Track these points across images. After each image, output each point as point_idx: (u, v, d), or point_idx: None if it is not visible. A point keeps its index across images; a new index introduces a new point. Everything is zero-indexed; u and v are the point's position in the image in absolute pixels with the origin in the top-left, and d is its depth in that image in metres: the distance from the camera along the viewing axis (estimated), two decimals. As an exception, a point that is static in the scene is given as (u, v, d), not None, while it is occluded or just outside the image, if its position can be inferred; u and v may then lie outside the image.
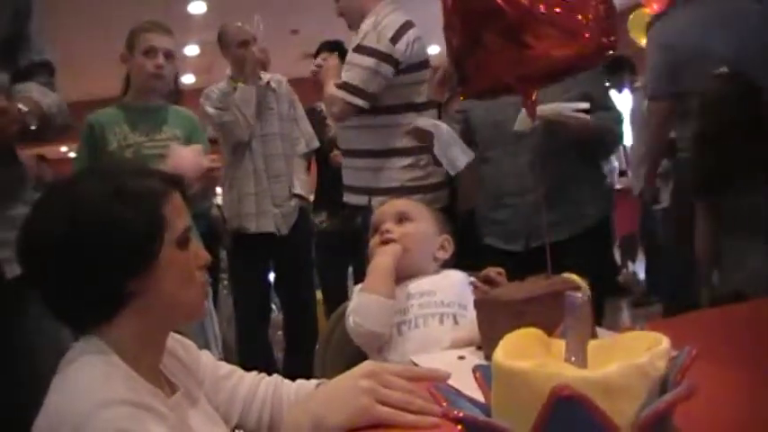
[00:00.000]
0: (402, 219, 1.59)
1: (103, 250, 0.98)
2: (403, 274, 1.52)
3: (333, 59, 2.83)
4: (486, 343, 1.17)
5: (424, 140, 2.34)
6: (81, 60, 6.81)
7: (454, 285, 1.52)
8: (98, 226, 0.98)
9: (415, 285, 1.52)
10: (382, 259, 1.51)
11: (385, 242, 1.55)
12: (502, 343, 0.68)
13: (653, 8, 4.95)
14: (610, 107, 2.39)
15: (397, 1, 2.66)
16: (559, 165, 2.23)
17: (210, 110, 3.33)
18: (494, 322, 1.14)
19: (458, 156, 2.08)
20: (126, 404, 0.91)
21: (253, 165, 3.36)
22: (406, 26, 2.55)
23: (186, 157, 2.45)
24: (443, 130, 2.12)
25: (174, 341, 1.20)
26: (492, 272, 1.53)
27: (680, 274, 2.81)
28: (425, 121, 2.07)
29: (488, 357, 1.12)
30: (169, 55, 2.67)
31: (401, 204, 1.64)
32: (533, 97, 1.22)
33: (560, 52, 1.08)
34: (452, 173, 2.15)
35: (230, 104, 3.28)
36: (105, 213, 0.98)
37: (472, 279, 1.52)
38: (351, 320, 1.48)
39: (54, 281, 1.01)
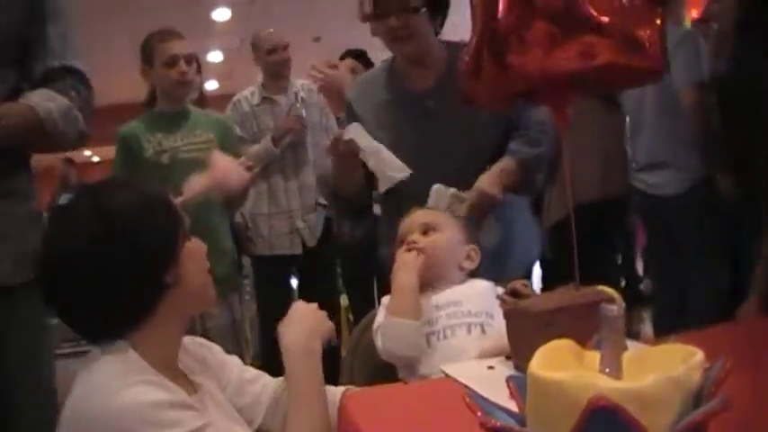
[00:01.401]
0: (428, 229, 1.59)
1: (139, 247, 1.06)
2: (429, 284, 1.53)
3: (341, 67, 2.82)
4: (516, 353, 1.18)
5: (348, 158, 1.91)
6: (104, 67, 6.89)
7: (480, 295, 1.52)
8: (131, 229, 1.06)
9: (442, 296, 1.52)
10: (406, 277, 1.51)
11: (409, 250, 1.56)
12: (536, 354, 0.69)
13: (692, 15, 4.81)
14: (528, 125, 1.91)
15: None
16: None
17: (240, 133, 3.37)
18: (523, 333, 1.14)
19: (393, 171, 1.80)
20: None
21: (267, 183, 3.37)
22: None
23: (230, 171, 2.45)
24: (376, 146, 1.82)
25: (199, 345, 1.27)
26: (518, 284, 1.52)
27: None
28: (361, 137, 1.79)
29: (518, 367, 1.14)
30: (190, 59, 2.67)
31: (426, 215, 1.64)
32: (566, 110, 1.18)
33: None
34: (388, 185, 1.81)
35: (255, 125, 3.34)
36: (135, 216, 1.08)
37: (499, 292, 1.52)
38: (379, 343, 1.49)
39: (88, 290, 1.05)
